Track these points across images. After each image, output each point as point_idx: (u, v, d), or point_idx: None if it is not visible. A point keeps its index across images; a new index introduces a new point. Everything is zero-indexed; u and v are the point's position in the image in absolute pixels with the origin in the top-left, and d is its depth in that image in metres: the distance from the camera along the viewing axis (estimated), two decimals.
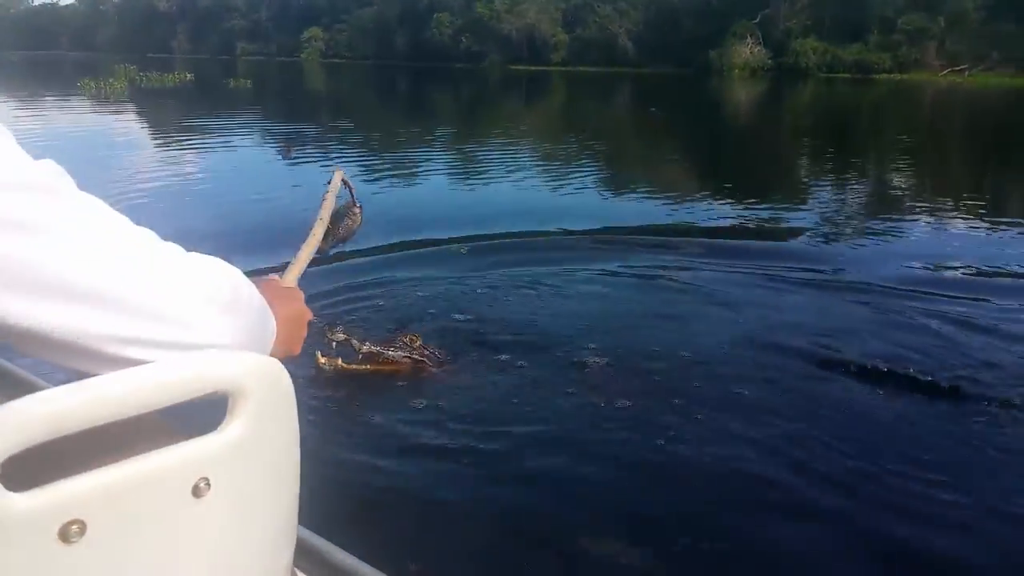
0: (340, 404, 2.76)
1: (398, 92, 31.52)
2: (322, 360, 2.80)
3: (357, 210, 1.44)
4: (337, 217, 1.42)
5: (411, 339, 2.98)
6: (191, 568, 0.66)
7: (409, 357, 2.93)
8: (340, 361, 2.80)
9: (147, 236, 0.62)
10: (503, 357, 3.27)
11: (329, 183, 1.33)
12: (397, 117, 19.61)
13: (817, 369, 3.35)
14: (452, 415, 2.74)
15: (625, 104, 26.99)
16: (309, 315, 0.91)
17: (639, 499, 2.38)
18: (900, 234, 6.47)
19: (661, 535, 2.19)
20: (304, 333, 0.89)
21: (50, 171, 0.55)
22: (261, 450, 0.69)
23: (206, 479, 0.64)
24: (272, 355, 0.75)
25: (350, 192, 1.42)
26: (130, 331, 0.58)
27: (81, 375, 0.57)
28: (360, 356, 2.79)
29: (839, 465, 2.58)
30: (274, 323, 0.78)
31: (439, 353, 3.09)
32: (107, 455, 0.59)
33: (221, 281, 0.68)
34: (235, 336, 0.67)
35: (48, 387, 1.13)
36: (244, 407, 0.67)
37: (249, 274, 0.76)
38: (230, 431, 0.67)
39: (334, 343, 2.77)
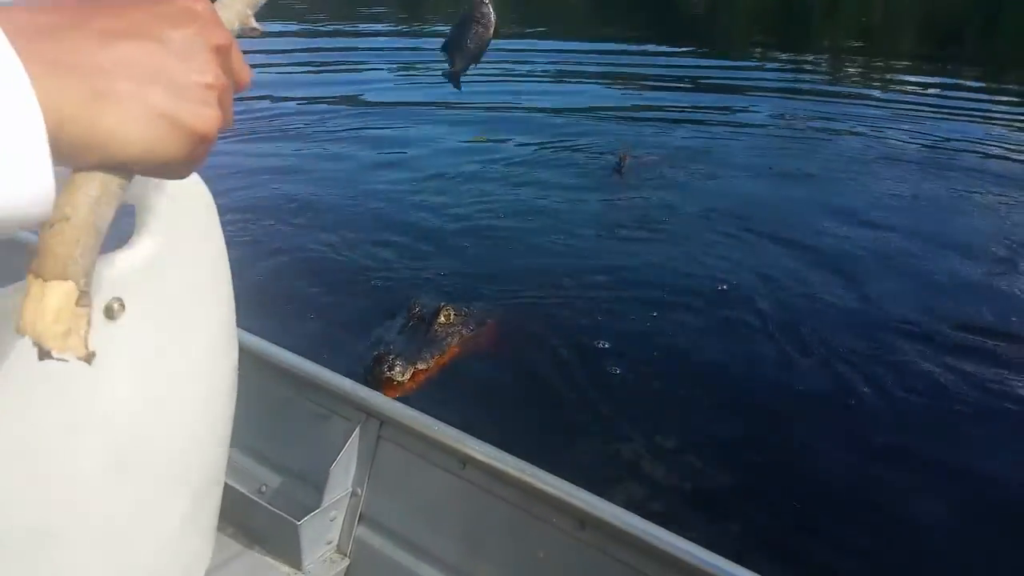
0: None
1: None
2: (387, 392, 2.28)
3: (486, 9, 1.00)
4: (461, 25, 1.02)
5: (446, 316, 2.65)
6: (115, 391, 0.63)
7: (460, 336, 2.61)
8: (399, 380, 2.33)
9: None
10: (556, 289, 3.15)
11: None
12: None
13: None
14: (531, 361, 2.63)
15: None
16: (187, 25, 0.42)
17: None
18: None
19: None
20: (182, 80, 0.41)
21: None
22: (180, 265, 0.64)
23: (119, 299, 0.59)
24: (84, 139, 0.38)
25: None
26: None
27: None
28: (413, 372, 2.40)
29: None
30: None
31: (477, 312, 2.79)
32: None
33: None
34: None
35: None
36: (152, 221, 0.61)
37: None
38: (140, 247, 0.62)
39: (386, 376, 2.32)
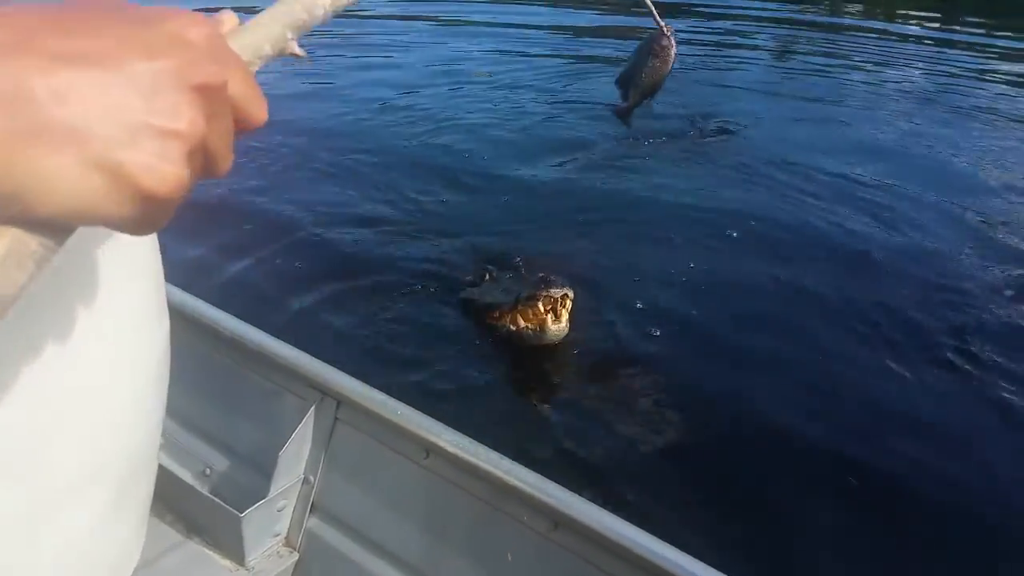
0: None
1: None
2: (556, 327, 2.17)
3: (667, 42, 0.92)
4: (637, 58, 0.93)
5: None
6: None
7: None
8: (562, 294, 2.19)
9: None
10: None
11: None
12: None
13: None
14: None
15: None
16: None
17: None
18: None
19: None
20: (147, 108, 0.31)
21: None
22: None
23: None
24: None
25: (651, 10, 0.85)
26: None
27: None
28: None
29: None
30: None
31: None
32: None
33: None
34: None
35: None
36: None
37: None
38: None
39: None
